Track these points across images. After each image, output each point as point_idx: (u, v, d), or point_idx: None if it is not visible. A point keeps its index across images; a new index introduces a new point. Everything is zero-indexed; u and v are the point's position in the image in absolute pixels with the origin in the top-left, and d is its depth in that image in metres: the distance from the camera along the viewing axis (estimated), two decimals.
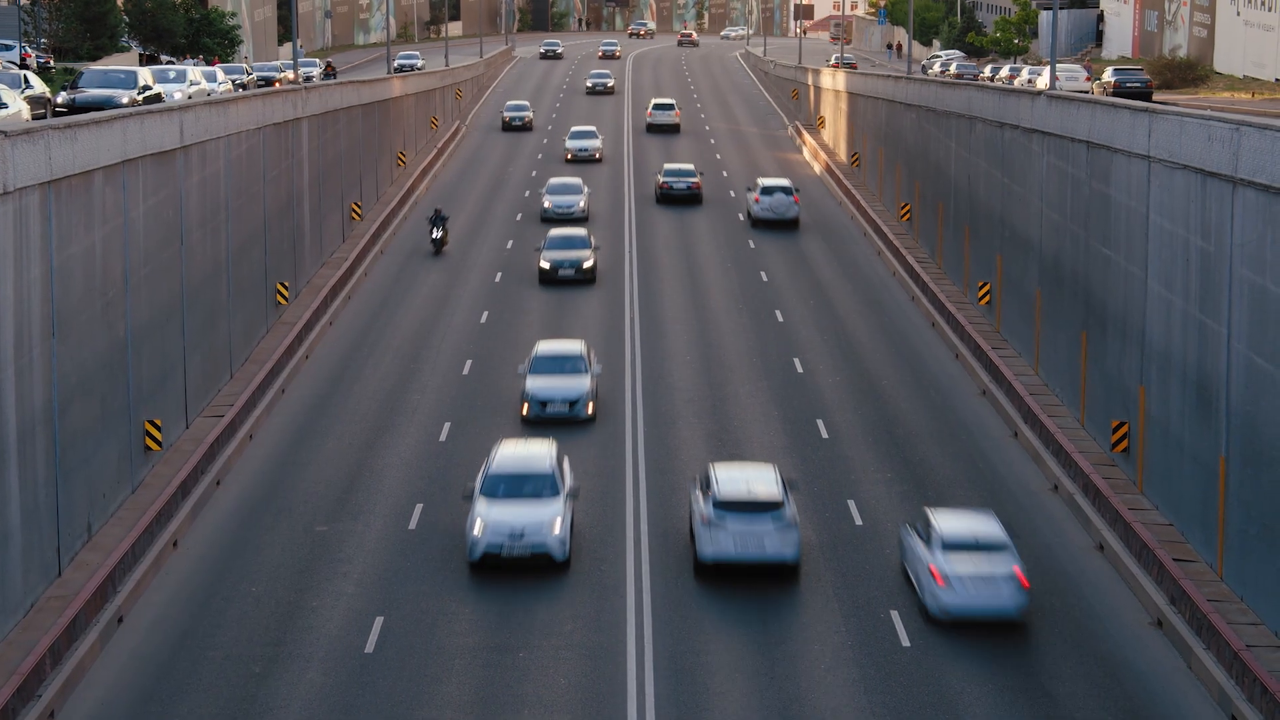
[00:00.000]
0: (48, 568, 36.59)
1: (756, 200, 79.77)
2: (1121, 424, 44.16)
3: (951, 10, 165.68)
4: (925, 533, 37.40)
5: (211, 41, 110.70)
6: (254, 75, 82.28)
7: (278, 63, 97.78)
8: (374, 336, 60.04)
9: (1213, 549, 37.47)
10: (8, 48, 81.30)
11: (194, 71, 61.79)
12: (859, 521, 41.97)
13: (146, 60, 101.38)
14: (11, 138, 34.14)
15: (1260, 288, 34.72)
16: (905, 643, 34.99)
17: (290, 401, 52.31)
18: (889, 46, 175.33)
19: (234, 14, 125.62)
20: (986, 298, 60.69)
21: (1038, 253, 53.67)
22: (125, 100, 49.26)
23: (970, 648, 34.83)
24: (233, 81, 72.26)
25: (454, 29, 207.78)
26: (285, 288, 61.08)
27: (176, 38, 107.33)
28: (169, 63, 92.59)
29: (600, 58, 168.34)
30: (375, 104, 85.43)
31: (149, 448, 43.86)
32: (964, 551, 36.42)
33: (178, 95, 55.99)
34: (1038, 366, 53.41)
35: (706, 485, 39.27)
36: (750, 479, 39.27)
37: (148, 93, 51.65)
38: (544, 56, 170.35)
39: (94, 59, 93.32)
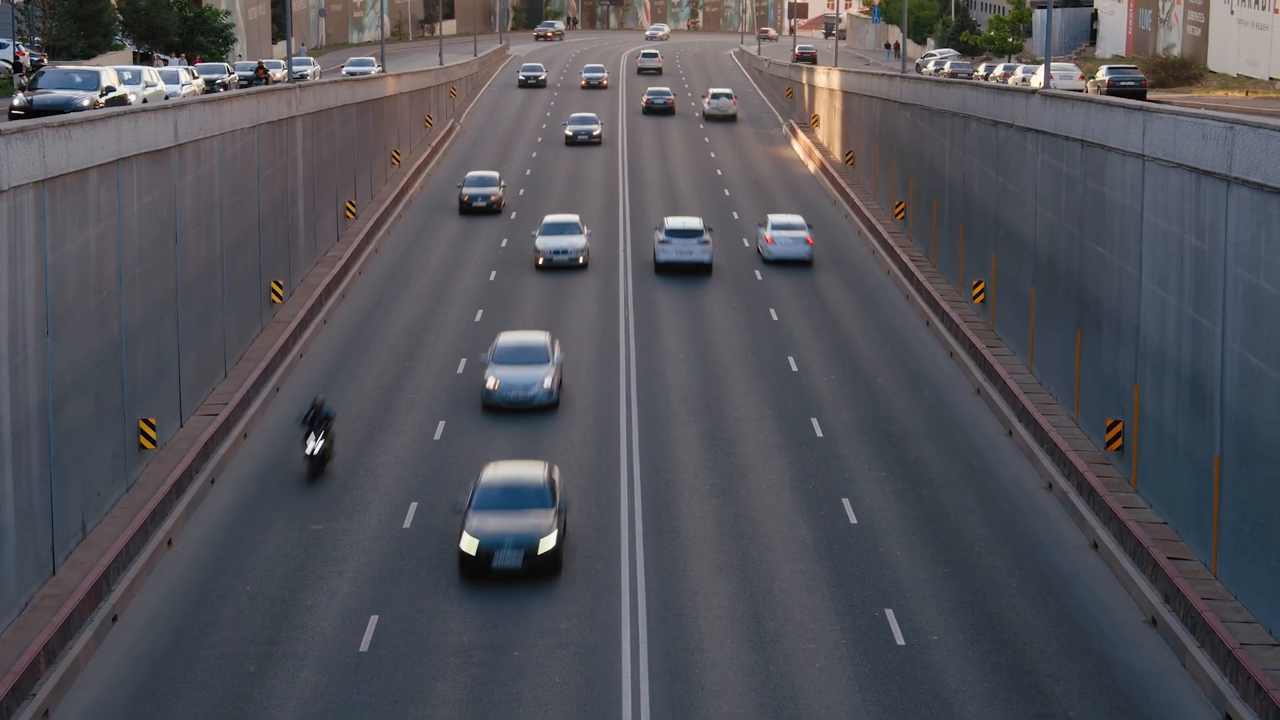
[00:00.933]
0: (42, 566, 36.57)
1: (708, 102, 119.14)
2: (1116, 422, 44.18)
3: (945, 9, 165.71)
4: (764, 223, 73.46)
5: (206, 40, 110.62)
6: (235, 75, 78.32)
7: (366, 56, 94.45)
8: (368, 335, 60.03)
9: (1207, 547, 37.49)
10: (1, 46, 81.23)
11: (149, 73, 56.67)
12: (853, 520, 41.99)
13: (140, 59, 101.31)
14: (6, 136, 34.12)
15: (1255, 286, 34.74)
16: (900, 641, 35.00)
17: (285, 400, 52.29)
18: (887, 46, 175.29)
19: (228, 12, 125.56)
20: (981, 296, 60.72)
21: (1032, 251, 53.69)
22: (86, 103, 46.27)
23: (965, 646, 34.86)
24: (209, 81, 68.30)
25: (448, 27, 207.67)
26: (280, 286, 61.07)
27: (170, 36, 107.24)
28: (165, 62, 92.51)
29: (584, 87, 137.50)
30: (369, 102, 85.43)
31: (143, 446, 43.85)
32: (782, 229, 71.92)
33: (131, 99, 51.74)
34: (1032, 365, 53.43)
35: (659, 225, 71.24)
36: (686, 221, 71.02)
37: (111, 94, 48.62)
38: (523, 84, 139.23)
39: (88, 57, 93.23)
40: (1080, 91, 71.87)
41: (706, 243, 68.96)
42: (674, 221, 70.77)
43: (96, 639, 34.66)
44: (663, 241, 69.18)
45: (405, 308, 63.93)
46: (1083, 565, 39.37)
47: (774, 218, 73.48)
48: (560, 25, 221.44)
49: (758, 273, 69.85)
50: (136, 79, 54.37)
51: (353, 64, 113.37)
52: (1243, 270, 35.36)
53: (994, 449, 47.89)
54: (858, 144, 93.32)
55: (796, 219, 73.47)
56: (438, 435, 48.55)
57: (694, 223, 70.42)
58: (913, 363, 56.80)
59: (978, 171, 62.33)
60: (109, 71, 50.18)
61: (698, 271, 68.85)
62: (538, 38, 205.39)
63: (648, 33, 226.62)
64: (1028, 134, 54.36)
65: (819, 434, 48.83)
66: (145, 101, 51.11)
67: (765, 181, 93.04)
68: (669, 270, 68.95)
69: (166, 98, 54.35)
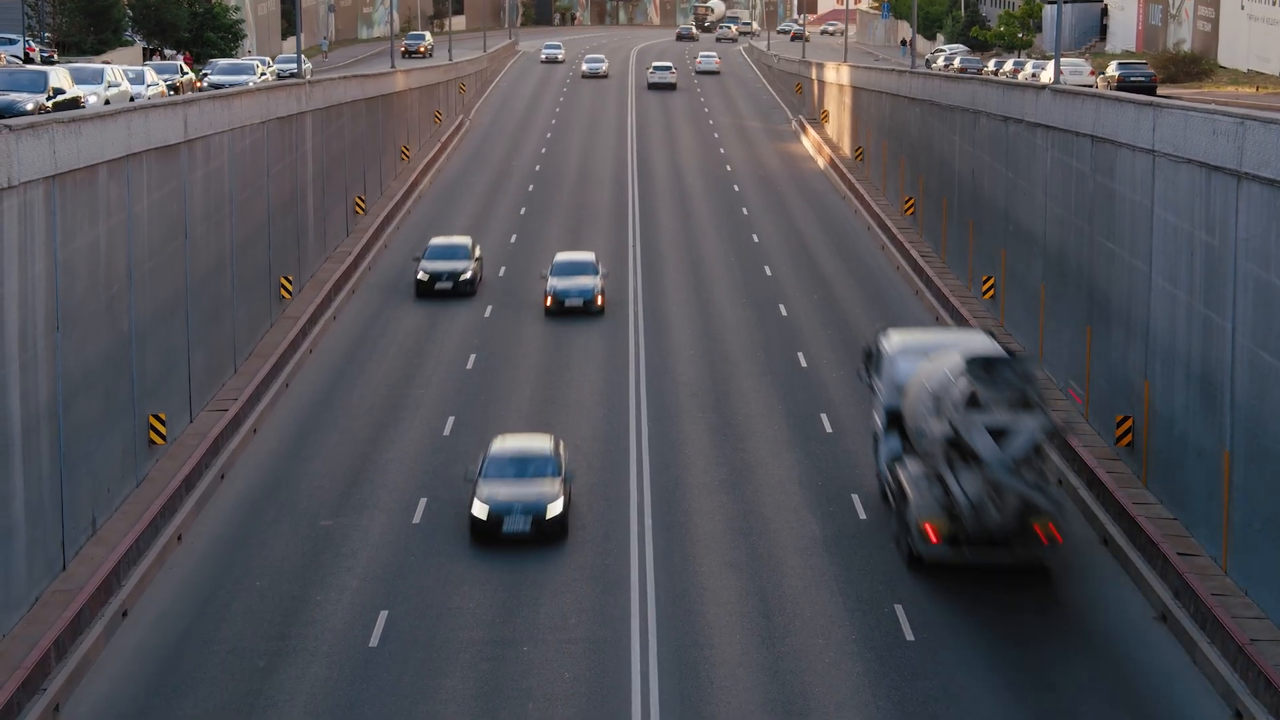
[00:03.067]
0: (52, 562, 36.60)
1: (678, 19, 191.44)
2: (1126, 418, 44.15)
3: (955, 5, 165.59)
4: (695, 56, 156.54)
5: (215, 36, 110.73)
6: (189, 76, 66.49)
7: (244, 60, 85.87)
8: (378, 330, 60.05)
9: (1217, 543, 37.47)
10: (11, 42, 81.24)
11: (113, 71, 52.09)
12: (863, 516, 41.98)
13: (150, 55, 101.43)
14: (16, 132, 34.16)
15: (1265, 282, 34.70)
16: (909, 637, 34.99)
17: (294, 396, 52.33)
18: (904, 43, 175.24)
19: (238, 8, 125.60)
20: (990, 292, 60.68)
21: (1042, 247, 53.65)
22: (30, 106, 42.61)
23: (974, 642, 34.84)
24: (164, 83, 59.52)
25: (457, 23, 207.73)
26: (289, 282, 61.10)
27: (180, 32, 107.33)
28: (172, 57, 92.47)
29: (550, 311, 62.23)
30: (379, 98, 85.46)
31: (153, 442, 43.88)
32: (703, 58, 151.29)
33: (92, 99, 47.97)
34: (1042, 361, 53.38)
35: (649, 66, 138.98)
36: (663, 63, 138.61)
37: (60, 97, 44.77)
38: (424, 290, 65.00)
39: (98, 53, 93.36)
40: (1090, 87, 71.80)
41: (674, 71, 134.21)
42: (657, 63, 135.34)
43: (106, 634, 34.70)
44: (650, 71, 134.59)
45: (415, 303, 63.94)
46: (1092, 560, 39.34)
47: (701, 51, 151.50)
48: (429, 39, 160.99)
49: (767, 268, 69.91)
50: (98, 78, 50.43)
51: (282, 61, 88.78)
52: (1253, 266, 35.32)
53: None
54: (867, 139, 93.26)
55: (712, 53, 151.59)
56: (447, 431, 48.56)
57: (668, 64, 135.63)
58: None
59: (987, 167, 62.28)
60: (58, 72, 46.61)
61: (670, 89, 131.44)
62: (406, 54, 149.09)
63: (513, 42, 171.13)
64: (1037, 129, 54.31)
65: (828, 429, 48.81)
66: (108, 103, 48.13)
67: (774, 178, 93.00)
68: (655, 88, 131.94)
69: (131, 98, 51.18)
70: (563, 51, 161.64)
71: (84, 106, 45.87)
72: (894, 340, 42.71)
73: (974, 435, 35.82)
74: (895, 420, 40.78)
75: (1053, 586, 37.76)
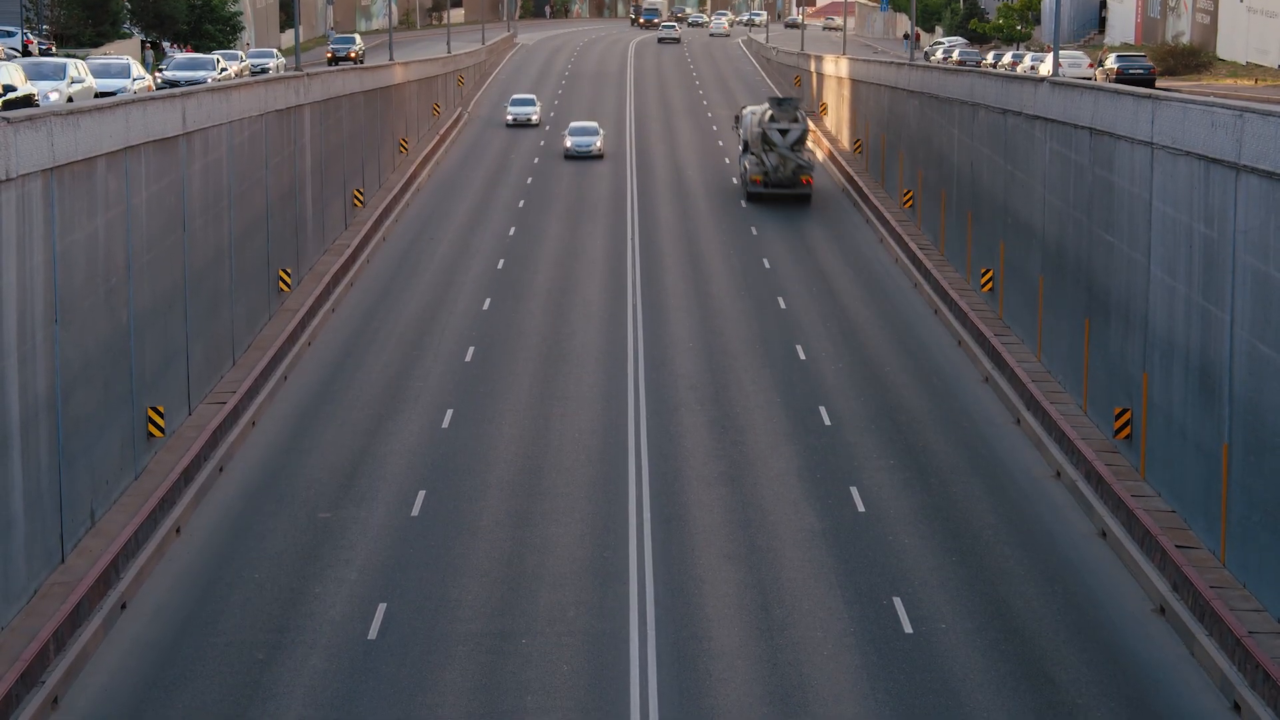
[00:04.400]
0: (51, 554, 36.61)
1: None
2: (1124, 411, 44.17)
3: None
4: (711, 21, 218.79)
5: (214, 28, 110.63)
6: (146, 79, 57.32)
7: (202, 56, 78.98)
8: (376, 323, 60.06)
9: (1215, 536, 37.49)
10: (9, 34, 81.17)
11: (76, 67, 49.49)
12: (861, 508, 42.01)
13: (148, 48, 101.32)
14: (14, 124, 34.14)
15: (1264, 274, 34.71)
16: (908, 629, 35.01)
17: (293, 388, 52.33)
18: (906, 37, 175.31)
19: (236, 0, 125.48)
20: (989, 284, 60.69)
21: (1040, 239, 53.66)
22: None
23: (973, 635, 34.87)
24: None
25: (456, 15, 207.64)
26: (288, 274, 61.08)
27: (178, 24, 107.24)
28: (168, 51, 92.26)
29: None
30: (377, 90, 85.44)
31: (152, 434, 43.89)
32: (718, 21, 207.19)
33: (54, 96, 46.45)
34: (1040, 353, 53.42)
35: (653, 17, 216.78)
36: (669, 24, 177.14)
37: (11, 94, 42.69)
38: None
39: (96, 45, 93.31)
40: (1088, 79, 71.77)
41: (678, 29, 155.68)
42: (664, 23, 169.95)
43: (105, 627, 34.71)
44: (660, 28, 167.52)
45: (413, 296, 63.96)
46: (1091, 553, 39.37)
47: (711, 17, 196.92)
48: (360, 43, 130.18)
49: (765, 261, 69.90)
50: (60, 73, 48.16)
51: (253, 55, 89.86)
52: (1251, 258, 35.33)
53: (1002, 437, 47.88)
54: (866, 132, 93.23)
55: (721, 20, 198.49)
56: (446, 423, 48.58)
57: (673, 23, 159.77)
58: (921, 351, 56.79)
59: (986, 159, 62.29)
60: (9, 68, 44.51)
61: (675, 42, 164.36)
62: (333, 59, 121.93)
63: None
64: (1036, 122, 54.31)
65: (827, 422, 48.84)
66: (70, 99, 46.82)
67: None
68: (663, 41, 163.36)
69: (98, 94, 49.07)
70: (537, 111, 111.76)
71: (38, 104, 44.50)
72: (747, 108, 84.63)
73: (771, 133, 78.78)
74: (745, 145, 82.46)
75: (1052, 579, 37.78)
